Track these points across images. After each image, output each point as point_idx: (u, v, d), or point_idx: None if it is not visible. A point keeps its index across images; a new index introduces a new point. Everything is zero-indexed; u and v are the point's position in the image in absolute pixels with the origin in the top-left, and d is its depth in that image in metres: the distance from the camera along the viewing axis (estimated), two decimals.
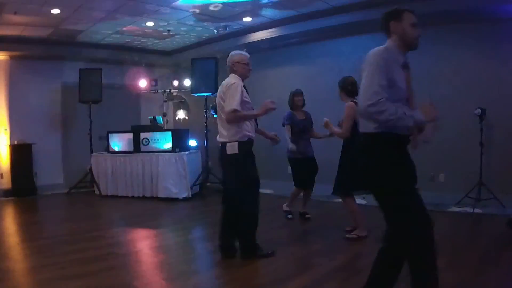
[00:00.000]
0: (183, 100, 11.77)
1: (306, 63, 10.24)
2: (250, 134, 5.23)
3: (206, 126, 10.37)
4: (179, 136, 10.01)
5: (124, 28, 10.03)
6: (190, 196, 9.67)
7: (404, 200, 3.33)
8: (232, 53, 5.42)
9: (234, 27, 10.32)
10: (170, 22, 9.67)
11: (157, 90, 11.36)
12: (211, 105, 10.13)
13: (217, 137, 5.30)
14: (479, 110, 7.88)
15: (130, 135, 10.19)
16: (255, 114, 5.29)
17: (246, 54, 5.42)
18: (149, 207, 9.01)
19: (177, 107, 11.91)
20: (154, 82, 11.21)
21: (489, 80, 8.22)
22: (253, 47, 10.69)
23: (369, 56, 3.30)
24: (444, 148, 8.56)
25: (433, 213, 7.43)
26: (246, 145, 5.17)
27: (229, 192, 5.40)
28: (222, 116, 5.18)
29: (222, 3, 8.65)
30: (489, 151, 8.15)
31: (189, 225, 7.68)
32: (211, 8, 8.94)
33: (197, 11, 8.97)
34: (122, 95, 11.67)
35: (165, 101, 11.37)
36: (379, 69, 3.21)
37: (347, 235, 6.19)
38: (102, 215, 8.68)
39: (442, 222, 6.93)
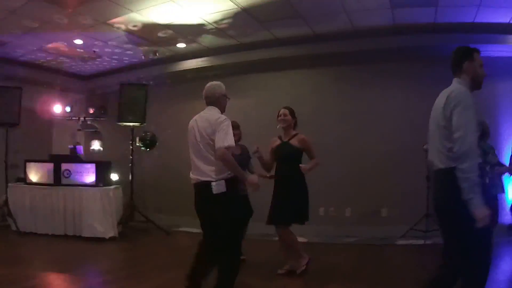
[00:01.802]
0: (97, 130, 10.75)
1: (239, 96, 9.72)
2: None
3: (132, 159, 9.42)
4: (103, 169, 8.98)
5: (49, 45, 8.95)
6: (117, 235, 8.64)
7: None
8: (215, 84, 4.89)
9: (167, 53, 9.67)
10: (100, 40, 8.79)
11: (72, 117, 10.22)
12: (138, 137, 9.34)
13: (194, 175, 4.67)
14: (427, 146, 7.89)
15: (49, 166, 9.00)
16: (242, 175, 4.75)
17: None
18: (74, 249, 7.78)
19: (91, 137, 10.85)
20: (68, 108, 10.10)
21: None
22: (181, 76, 10.26)
23: (460, 96, 3.41)
24: (387, 184, 8.73)
25: (382, 247, 7.62)
26: (233, 182, 4.64)
27: (212, 236, 4.76)
28: (206, 153, 4.60)
29: (164, 25, 8.04)
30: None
31: (131, 273, 6.32)
32: (149, 32, 8.35)
33: (136, 28, 8.22)
34: (34, 119, 10.31)
35: (79, 130, 10.29)
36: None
37: (297, 270, 5.96)
38: (23, 259, 7.11)
39: (399, 255, 7.34)
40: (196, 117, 4.84)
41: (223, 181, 4.55)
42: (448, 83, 8.25)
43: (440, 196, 3.58)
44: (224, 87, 4.91)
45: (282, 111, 6.26)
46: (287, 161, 6.11)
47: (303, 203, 6.09)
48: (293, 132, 6.24)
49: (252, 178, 4.97)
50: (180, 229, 9.61)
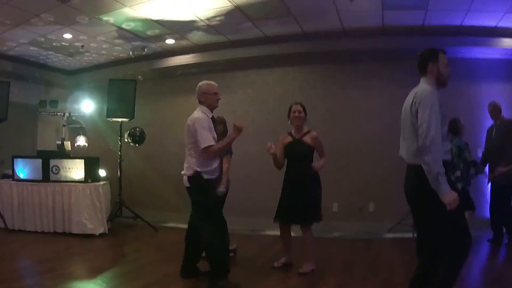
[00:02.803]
0: (82, 125, 10.62)
1: (226, 93, 9.74)
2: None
3: (121, 155, 9.36)
4: (92, 165, 8.88)
5: (41, 38, 8.79)
6: (107, 232, 8.57)
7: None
8: (200, 83, 5.42)
9: (155, 47, 9.63)
10: (90, 35, 8.71)
11: (57, 112, 10.11)
12: (127, 132, 9.30)
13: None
14: None
15: (37, 162, 8.86)
16: (229, 141, 5.35)
17: (213, 83, 5.43)
18: (64, 247, 7.59)
19: (76, 132, 10.70)
20: (54, 103, 9.97)
21: None
22: (169, 72, 10.28)
23: (424, 95, 3.65)
24: (373, 180, 8.97)
25: (370, 240, 7.98)
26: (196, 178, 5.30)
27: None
28: (187, 150, 5.36)
29: (156, 21, 8.02)
30: None
31: (124, 270, 6.23)
32: (142, 28, 8.34)
33: (126, 26, 8.22)
34: (19, 114, 10.12)
35: (64, 125, 10.17)
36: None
37: (300, 270, 5.91)
38: (12, 257, 6.93)
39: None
40: None
41: (187, 176, 5.29)
42: None
43: (410, 189, 3.91)
44: (211, 85, 5.38)
45: (296, 107, 6.12)
46: (299, 159, 6.04)
47: (318, 202, 6.07)
48: (305, 129, 6.14)
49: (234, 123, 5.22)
50: (167, 224, 9.62)
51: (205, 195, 5.28)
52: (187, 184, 5.28)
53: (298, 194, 6.00)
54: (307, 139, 6.05)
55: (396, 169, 8.63)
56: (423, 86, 3.77)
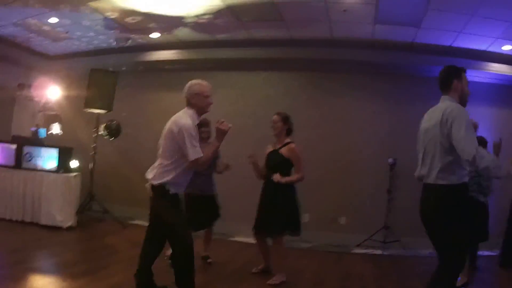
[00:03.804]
0: (58, 113, 10.35)
1: None
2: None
3: (95, 147, 9.16)
4: (65, 155, 8.65)
5: (26, 20, 8.44)
6: (75, 225, 8.37)
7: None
8: (191, 82, 4.74)
9: (140, 41, 9.41)
10: (75, 22, 8.44)
11: (34, 97, 9.80)
12: (103, 125, 9.09)
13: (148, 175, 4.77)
14: (392, 160, 8.60)
15: (12, 147, 8.64)
16: (214, 149, 4.78)
17: (206, 83, 4.79)
18: (32, 238, 7.40)
19: (51, 120, 10.42)
20: (33, 87, 9.70)
21: (401, 131, 8.66)
22: (150, 66, 10.13)
23: (455, 111, 3.66)
24: (347, 192, 9.00)
25: (341, 254, 8.00)
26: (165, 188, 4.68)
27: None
28: (160, 153, 4.71)
29: (144, 13, 7.82)
30: (394, 198, 8.72)
31: (92, 267, 5.98)
32: (129, 19, 8.11)
33: (114, 16, 7.99)
34: None
35: (40, 111, 9.90)
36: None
37: (269, 282, 5.84)
38: None
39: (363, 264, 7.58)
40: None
41: (151, 185, 4.65)
42: (420, 102, 8.59)
43: (429, 208, 3.91)
44: (204, 87, 4.74)
45: (274, 117, 6.08)
46: (274, 170, 5.96)
47: (292, 214, 6.02)
48: (286, 140, 6.07)
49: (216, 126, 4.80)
50: (136, 221, 9.39)
51: (174, 209, 4.74)
52: (151, 194, 4.69)
53: (270, 205, 5.98)
54: (284, 150, 5.98)
55: (370, 184, 8.76)
56: (451, 104, 3.77)
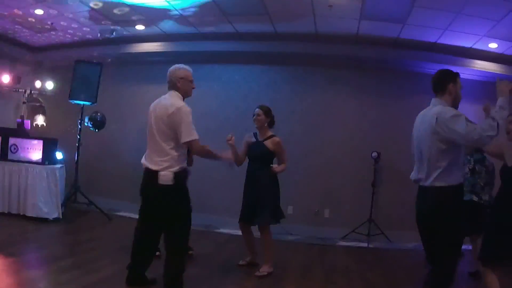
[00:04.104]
0: (42, 104, 10.29)
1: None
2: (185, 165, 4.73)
3: (79, 139, 9.08)
4: (50, 147, 8.64)
5: (6, 13, 8.37)
6: (61, 217, 8.36)
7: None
8: (176, 67, 4.80)
9: (124, 33, 9.38)
10: (63, 13, 8.35)
11: (18, 89, 9.75)
12: (87, 116, 9.04)
13: (146, 162, 4.64)
14: (376, 154, 8.73)
15: None
16: (213, 156, 4.91)
17: (190, 69, 4.85)
18: (18, 230, 7.38)
19: (36, 111, 10.36)
20: (17, 79, 9.65)
21: (385, 125, 8.96)
22: (135, 58, 10.12)
23: (448, 113, 3.73)
24: (331, 186, 9.12)
25: (325, 246, 8.17)
26: (182, 175, 4.66)
27: (159, 227, 4.74)
28: (160, 142, 4.57)
29: (129, 5, 7.80)
30: (378, 192, 8.88)
31: (78, 261, 5.93)
32: (115, 11, 8.07)
33: (98, 6, 7.93)
34: None
35: (24, 103, 9.83)
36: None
37: (257, 273, 5.97)
38: None
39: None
40: (155, 101, 4.76)
41: (172, 173, 4.51)
42: (404, 98, 8.67)
43: (430, 209, 3.89)
44: (187, 71, 4.81)
45: (257, 110, 6.22)
46: (258, 161, 6.14)
47: (275, 203, 6.15)
48: (269, 133, 6.23)
49: (226, 154, 5.23)
50: (120, 213, 9.48)
51: (187, 199, 4.77)
52: (170, 182, 4.49)
53: (255, 196, 6.12)
54: (268, 143, 6.14)
55: (354, 179, 8.86)
56: (444, 108, 3.84)
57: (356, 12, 7.33)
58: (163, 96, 4.75)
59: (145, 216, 4.86)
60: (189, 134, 4.47)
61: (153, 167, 4.54)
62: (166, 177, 4.48)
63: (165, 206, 4.59)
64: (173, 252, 4.64)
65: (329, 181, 9.10)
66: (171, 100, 4.61)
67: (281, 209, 6.22)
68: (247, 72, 9.76)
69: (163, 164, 4.51)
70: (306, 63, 9.30)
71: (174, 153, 4.53)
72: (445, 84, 3.93)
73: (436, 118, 3.75)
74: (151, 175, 4.53)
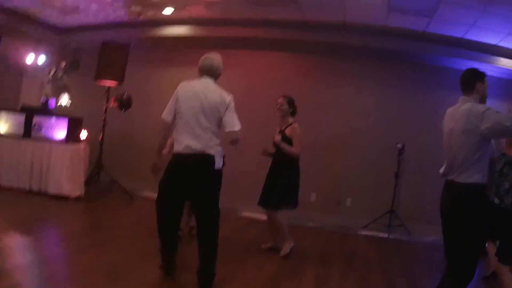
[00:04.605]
0: (66, 84, 10.36)
1: None
2: None
3: (105, 118, 9.21)
4: (74, 126, 8.74)
5: None
6: (83, 195, 8.46)
7: None
8: (220, 59, 4.82)
9: (151, 16, 9.34)
10: None
11: (43, 68, 9.82)
12: (113, 96, 9.12)
13: (193, 144, 4.52)
14: (400, 145, 8.75)
15: (20, 117, 8.68)
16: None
17: None
18: (39, 208, 7.48)
19: (60, 91, 10.43)
20: (42, 58, 9.76)
21: (410, 118, 8.94)
22: (161, 41, 10.07)
23: (480, 109, 3.81)
24: (353, 175, 9.14)
25: (346, 235, 8.20)
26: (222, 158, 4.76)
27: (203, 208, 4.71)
28: (211, 126, 4.58)
29: None
30: (400, 183, 8.85)
31: (98, 240, 5.96)
32: None
33: None
34: (3, 68, 9.77)
35: (49, 83, 9.90)
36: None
37: (281, 254, 6.15)
38: None
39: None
40: (196, 84, 4.71)
41: (221, 157, 4.63)
42: (429, 92, 8.64)
43: (452, 205, 3.96)
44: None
45: (280, 100, 6.34)
46: (278, 148, 6.25)
47: (291, 189, 6.23)
48: (290, 121, 6.32)
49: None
50: (143, 193, 9.50)
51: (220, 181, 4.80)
52: (220, 165, 4.62)
53: (271, 180, 6.34)
54: (287, 130, 6.26)
55: (377, 169, 8.87)
56: (473, 104, 3.90)
57: (385, 3, 7.29)
58: (200, 82, 4.71)
59: (173, 199, 4.77)
60: (234, 124, 4.59)
61: (208, 151, 4.52)
62: (220, 161, 4.61)
63: (205, 188, 4.61)
64: (210, 237, 4.67)
65: (353, 171, 9.14)
66: (216, 87, 4.68)
67: (293, 197, 6.27)
68: (273, 59, 9.80)
69: (212, 147, 4.55)
70: (333, 53, 9.28)
71: (216, 138, 4.60)
72: (473, 83, 4.01)
73: (467, 115, 3.82)
74: (204, 158, 4.52)
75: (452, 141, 3.98)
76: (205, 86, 4.66)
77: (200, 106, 4.55)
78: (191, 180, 4.59)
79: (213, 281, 4.61)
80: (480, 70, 4.08)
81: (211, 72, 4.74)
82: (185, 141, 4.54)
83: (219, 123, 4.60)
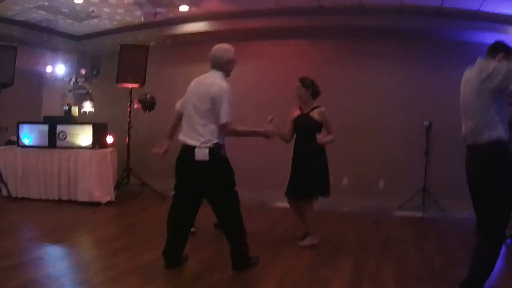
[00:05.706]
0: (89, 91, 10.45)
1: (239, 62, 9.71)
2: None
3: (130, 121, 9.27)
4: (100, 131, 8.78)
5: (46, 3, 8.42)
6: (114, 200, 8.51)
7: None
8: (223, 48, 4.86)
9: (169, 16, 9.37)
10: (106, 0, 8.38)
11: (63, 78, 9.92)
12: (137, 98, 9.16)
13: (183, 138, 4.78)
14: (427, 123, 8.64)
15: (44, 127, 8.69)
16: (251, 133, 5.16)
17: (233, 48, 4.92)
18: (70, 216, 7.48)
19: (83, 98, 10.53)
20: (61, 68, 9.84)
21: (434, 95, 8.79)
22: (180, 39, 10.11)
23: (492, 64, 3.76)
24: (384, 156, 9.08)
25: (381, 217, 8.07)
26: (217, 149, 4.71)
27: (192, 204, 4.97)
28: (199, 119, 4.69)
29: None
30: (431, 161, 8.76)
31: (131, 242, 6.04)
32: None
33: None
34: (23, 80, 9.59)
35: (70, 91, 10.00)
36: None
37: (300, 243, 6.03)
38: (15, 227, 6.75)
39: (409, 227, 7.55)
40: (197, 80, 4.87)
41: (207, 149, 4.60)
42: (449, 68, 8.57)
43: (478, 168, 3.90)
44: (233, 51, 4.86)
45: (296, 85, 6.12)
46: (305, 134, 6.02)
47: (322, 177, 6.04)
48: (314, 104, 6.11)
49: (267, 129, 5.17)
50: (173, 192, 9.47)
51: (228, 170, 4.87)
52: (206, 158, 4.59)
53: (301, 169, 6.05)
54: (314, 114, 6.01)
55: (406, 148, 8.81)
56: (485, 60, 3.90)
57: None
58: (204, 75, 4.86)
59: (180, 193, 5.04)
60: (228, 115, 4.59)
61: (191, 142, 4.66)
62: (201, 152, 4.61)
63: (205, 181, 4.75)
64: (229, 228, 4.85)
65: (382, 152, 9.08)
66: (214, 79, 4.71)
67: (327, 184, 6.10)
68: (294, 47, 9.74)
69: (200, 139, 4.62)
70: (352, 36, 9.18)
71: (209, 129, 4.64)
72: (497, 52, 3.92)
73: (480, 68, 3.79)
74: (189, 150, 4.63)
75: (467, 100, 3.95)
76: (203, 79, 4.81)
77: (195, 98, 4.71)
78: (188, 173, 4.80)
79: (245, 262, 4.84)
80: (509, 46, 3.98)
81: (214, 64, 4.81)
82: (181, 133, 4.85)
83: (213, 114, 4.63)
